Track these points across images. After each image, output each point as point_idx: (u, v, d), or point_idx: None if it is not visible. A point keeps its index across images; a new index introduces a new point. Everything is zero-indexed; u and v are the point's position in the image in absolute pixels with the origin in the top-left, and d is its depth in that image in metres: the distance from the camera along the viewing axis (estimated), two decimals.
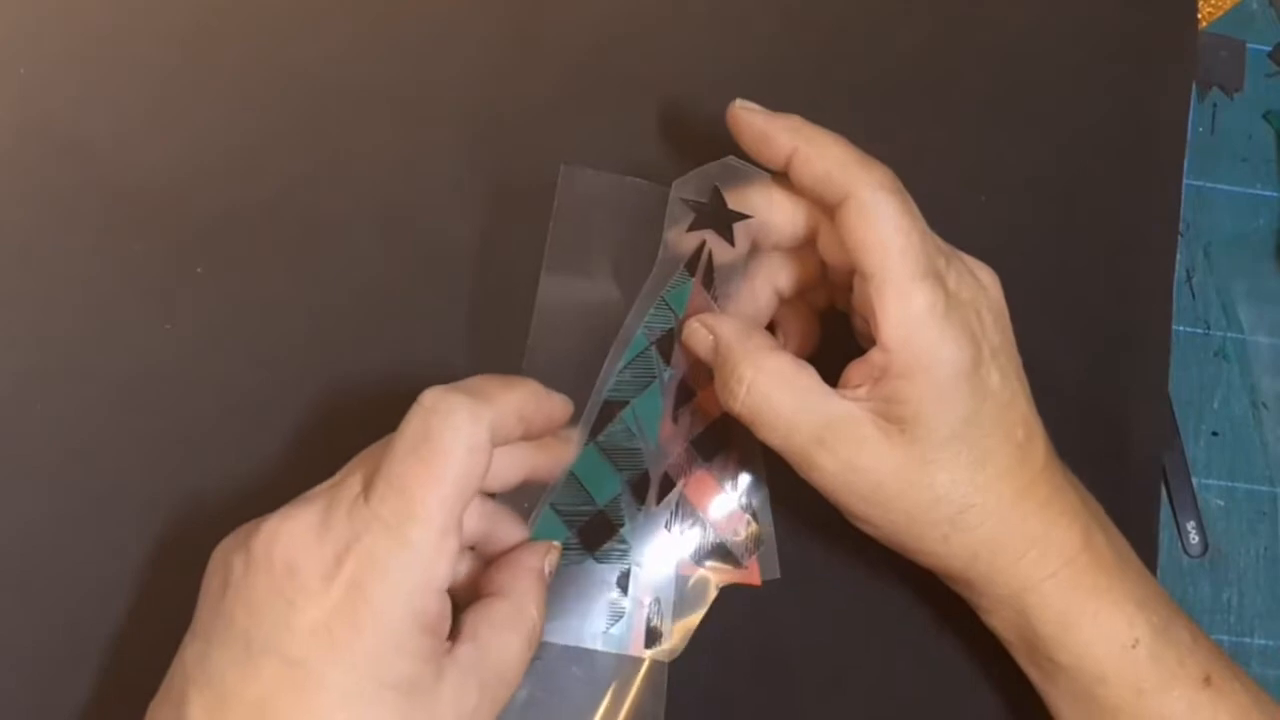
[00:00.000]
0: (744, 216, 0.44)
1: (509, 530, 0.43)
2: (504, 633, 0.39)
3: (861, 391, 0.41)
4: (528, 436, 0.40)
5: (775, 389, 0.42)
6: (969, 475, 0.41)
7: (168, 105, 0.47)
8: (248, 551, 0.36)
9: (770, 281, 0.46)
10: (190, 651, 0.37)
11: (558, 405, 0.41)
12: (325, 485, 0.39)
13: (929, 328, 0.40)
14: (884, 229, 0.40)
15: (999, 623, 0.44)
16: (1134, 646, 0.42)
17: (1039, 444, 0.43)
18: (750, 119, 0.43)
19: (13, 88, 0.46)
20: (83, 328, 0.45)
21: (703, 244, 0.45)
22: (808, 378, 0.42)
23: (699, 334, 0.44)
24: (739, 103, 0.43)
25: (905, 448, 0.41)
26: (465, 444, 0.37)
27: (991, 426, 0.41)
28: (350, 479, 0.38)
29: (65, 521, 0.44)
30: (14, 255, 0.45)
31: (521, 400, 0.39)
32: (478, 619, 0.39)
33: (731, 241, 0.44)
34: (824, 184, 0.42)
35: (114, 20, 0.47)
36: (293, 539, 0.36)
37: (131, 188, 0.46)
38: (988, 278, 0.43)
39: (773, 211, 0.44)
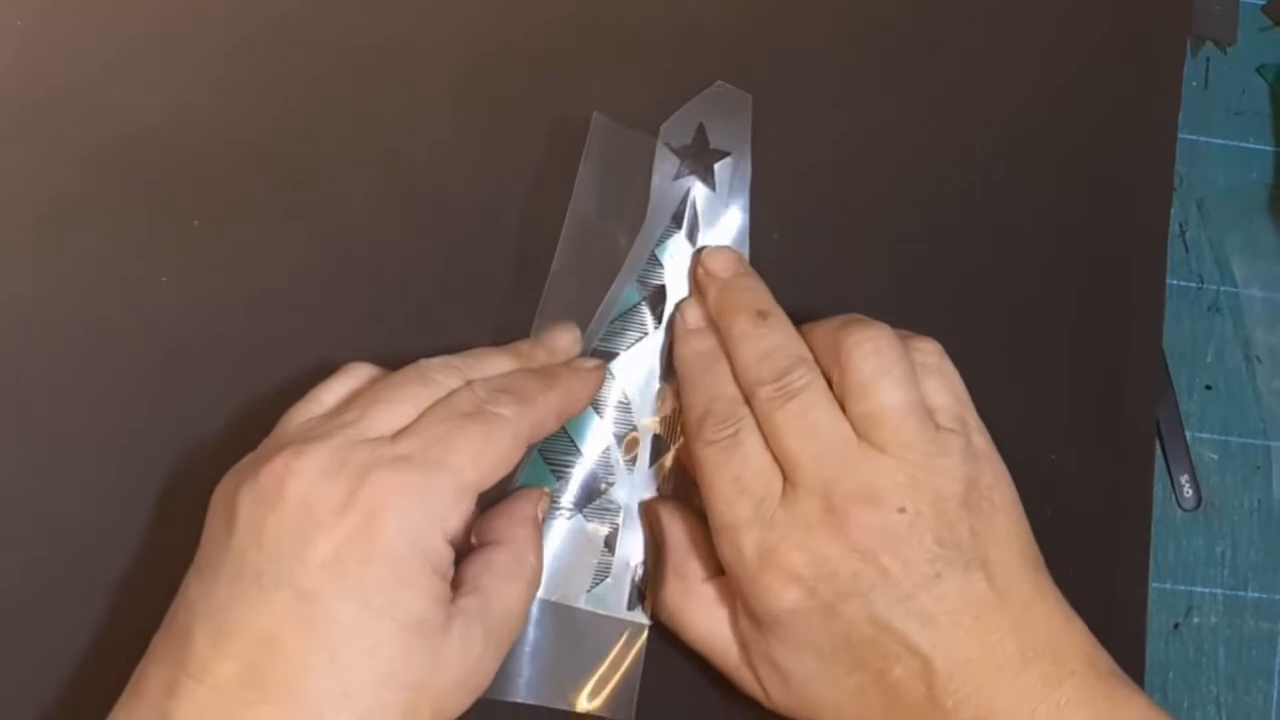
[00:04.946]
0: (724, 155, 0.45)
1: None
2: (506, 582, 0.40)
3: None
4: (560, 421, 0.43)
5: (694, 619, 0.44)
6: (851, 713, 0.41)
7: (163, 58, 0.47)
8: (257, 488, 0.37)
9: None
10: (195, 588, 0.37)
11: (592, 384, 0.44)
12: (325, 420, 0.39)
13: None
14: None
15: None
16: None
17: (927, 677, 0.40)
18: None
19: (12, 41, 0.46)
20: (78, 280, 0.45)
21: (687, 193, 0.45)
22: (724, 617, 0.43)
23: (653, 523, 0.45)
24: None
25: (779, 696, 0.42)
26: (513, 435, 0.39)
27: (852, 666, 0.41)
28: (367, 419, 0.38)
29: (62, 470, 0.44)
30: (9, 206, 0.45)
31: (560, 400, 0.42)
32: (479, 569, 0.40)
33: (713, 185, 0.45)
34: None
35: None
36: (306, 474, 0.36)
37: (127, 140, 0.46)
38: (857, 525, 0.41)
39: None
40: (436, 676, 0.37)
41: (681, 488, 0.46)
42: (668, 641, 0.45)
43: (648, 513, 0.45)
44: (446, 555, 0.38)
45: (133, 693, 0.37)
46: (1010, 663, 0.40)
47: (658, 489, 0.46)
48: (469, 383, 0.40)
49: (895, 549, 0.40)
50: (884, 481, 0.40)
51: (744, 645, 0.43)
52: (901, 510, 0.40)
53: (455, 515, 0.38)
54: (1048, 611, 0.41)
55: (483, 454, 0.38)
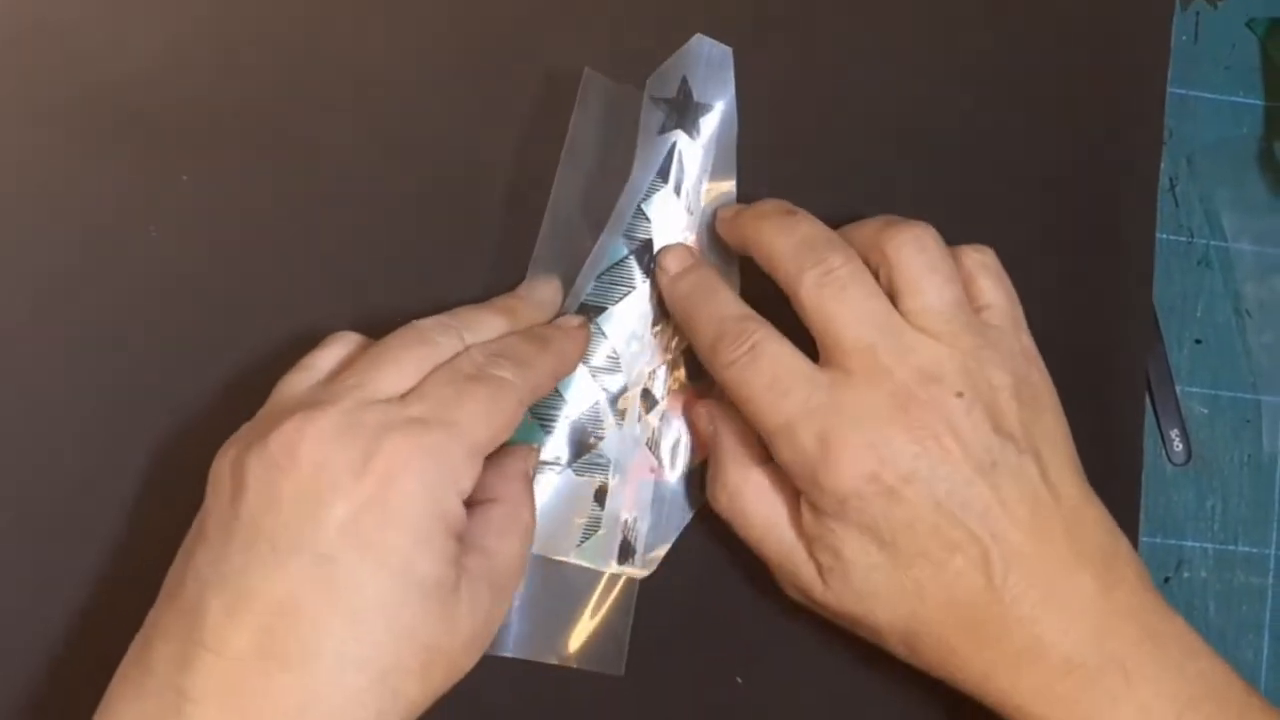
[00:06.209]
0: (709, 108, 0.45)
1: None
2: (506, 538, 0.40)
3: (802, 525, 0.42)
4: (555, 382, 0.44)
5: (752, 504, 0.43)
6: (906, 609, 0.41)
7: (150, 5, 0.46)
8: (266, 454, 0.36)
9: None
10: (202, 557, 0.36)
11: (581, 343, 0.44)
12: (328, 385, 0.39)
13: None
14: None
15: None
16: None
17: (986, 568, 0.40)
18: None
19: None
20: (65, 232, 0.45)
21: (673, 146, 0.45)
22: (782, 503, 0.43)
23: (702, 419, 0.45)
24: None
25: (837, 589, 0.42)
26: (516, 397, 0.40)
27: (913, 556, 0.40)
28: (372, 381, 0.38)
29: (45, 423, 0.44)
30: None
31: (554, 362, 0.42)
32: (478, 528, 0.39)
33: (699, 139, 0.46)
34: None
35: None
36: (319, 438, 0.36)
37: (116, 91, 0.46)
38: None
39: None
40: (450, 637, 0.37)
41: (673, 441, 0.46)
42: (659, 595, 0.45)
43: (693, 413, 0.45)
44: (460, 515, 0.38)
45: (140, 668, 0.36)
46: (1064, 562, 0.40)
47: (648, 442, 0.46)
48: (467, 348, 0.40)
49: (955, 431, 0.40)
50: (941, 367, 0.41)
51: (808, 538, 0.42)
52: (959, 395, 0.41)
53: (468, 476, 0.38)
54: (1097, 516, 0.42)
55: (491, 415, 0.39)
